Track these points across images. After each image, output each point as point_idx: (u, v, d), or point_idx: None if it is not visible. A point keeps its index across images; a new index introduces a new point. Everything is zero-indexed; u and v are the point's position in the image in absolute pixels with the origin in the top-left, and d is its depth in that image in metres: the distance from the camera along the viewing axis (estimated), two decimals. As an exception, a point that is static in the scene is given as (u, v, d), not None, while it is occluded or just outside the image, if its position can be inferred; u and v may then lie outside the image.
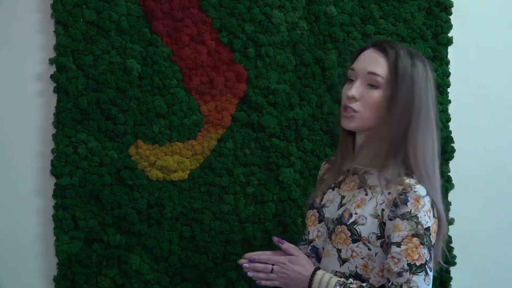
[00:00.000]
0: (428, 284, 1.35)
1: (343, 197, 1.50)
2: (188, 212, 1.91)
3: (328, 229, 1.48)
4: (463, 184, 2.01)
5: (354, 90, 1.44)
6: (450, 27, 2.00)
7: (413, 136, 1.42)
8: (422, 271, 1.34)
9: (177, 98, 1.92)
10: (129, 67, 1.89)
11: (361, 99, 1.44)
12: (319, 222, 1.52)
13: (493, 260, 2.03)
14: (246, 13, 1.93)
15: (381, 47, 1.46)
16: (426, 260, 1.35)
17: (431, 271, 1.36)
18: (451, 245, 1.98)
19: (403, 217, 1.37)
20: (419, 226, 1.36)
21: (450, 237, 1.98)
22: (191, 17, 1.92)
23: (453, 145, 1.99)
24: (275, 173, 1.93)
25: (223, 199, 1.92)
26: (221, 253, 1.91)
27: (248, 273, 1.49)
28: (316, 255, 1.51)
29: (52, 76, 1.89)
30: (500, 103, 2.06)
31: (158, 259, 1.91)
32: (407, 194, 1.37)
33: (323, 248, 1.49)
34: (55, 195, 1.88)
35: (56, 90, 1.89)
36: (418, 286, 1.33)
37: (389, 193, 1.41)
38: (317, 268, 1.42)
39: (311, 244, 1.52)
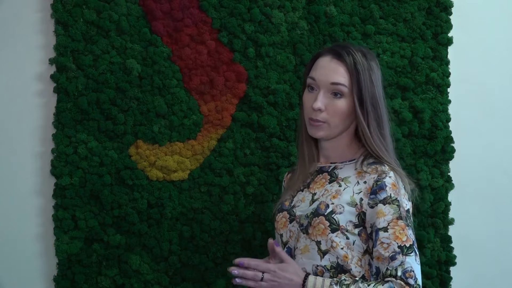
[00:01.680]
0: (419, 264, 1.39)
1: (314, 194, 1.52)
2: (188, 212, 1.91)
3: (302, 225, 1.49)
4: (463, 184, 2.00)
5: (320, 102, 1.47)
6: (450, 27, 2.00)
7: (379, 131, 1.49)
8: (412, 252, 1.38)
9: (177, 98, 1.92)
10: (129, 67, 1.89)
11: (326, 109, 1.48)
12: (290, 222, 1.53)
13: (493, 260, 2.03)
14: (246, 13, 1.93)
15: (338, 55, 1.49)
16: (413, 241, 1.39)
17: (418, 251, 1.40)
18: (451, 245, 1.98)
19: (384, 202, 1.41)
20: (401, 209, 1.41)
21: (450, 237, 1.98)
22: (191, 17, 1.92)
23: (453, 145, 1.99)
24: (275, 173, 1.93)
25: (223, 199, 1.92)
26: (221, 253, 1.91)
27: (237, 279, 1.42)
28: (291, 256, 1.51)
29: (52, 76, 1.89)
30: (500, 103, 2.05)
31: (158, 259, 1.91)
32: (384, 180, 1.43)
33: (295, 248, 1.50)
34: (55, 195, 1.88)
35: (56, 90, 1.89)
36: (411, 267, 1.36)
37: (364, 182, 1.45)
38: (308, 274, 1.42)
39: (287, 246, 1.53)
